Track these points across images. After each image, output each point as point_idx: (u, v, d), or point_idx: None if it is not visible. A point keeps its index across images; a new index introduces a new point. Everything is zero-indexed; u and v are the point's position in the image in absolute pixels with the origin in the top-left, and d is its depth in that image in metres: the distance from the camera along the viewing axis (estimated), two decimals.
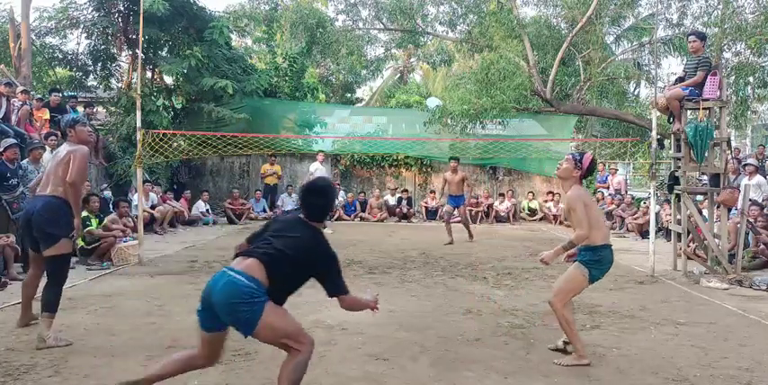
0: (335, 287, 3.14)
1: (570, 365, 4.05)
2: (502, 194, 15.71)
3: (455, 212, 11.21)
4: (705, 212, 8.25)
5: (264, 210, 15.02)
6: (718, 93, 7.45)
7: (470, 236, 11.05)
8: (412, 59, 27.62)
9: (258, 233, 3.29)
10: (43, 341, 4.28)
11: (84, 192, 5.37)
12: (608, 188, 14.96)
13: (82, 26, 14.04)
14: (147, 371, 3.27)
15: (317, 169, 12.37)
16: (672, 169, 8.33)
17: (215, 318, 2.94)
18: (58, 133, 10.33)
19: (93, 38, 14.12)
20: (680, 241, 8.02)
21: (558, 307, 4.14)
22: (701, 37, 7.66)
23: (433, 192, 15.70)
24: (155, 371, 3.15)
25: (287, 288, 3.12)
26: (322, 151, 13.44)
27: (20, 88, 10.07)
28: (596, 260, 4.15)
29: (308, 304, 5.74)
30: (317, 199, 3.22)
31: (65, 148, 4.76)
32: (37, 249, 4.60)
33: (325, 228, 3.51)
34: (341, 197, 15.34)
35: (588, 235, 4.07)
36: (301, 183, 16.31)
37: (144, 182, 9.43)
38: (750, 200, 8.15)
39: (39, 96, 11.59)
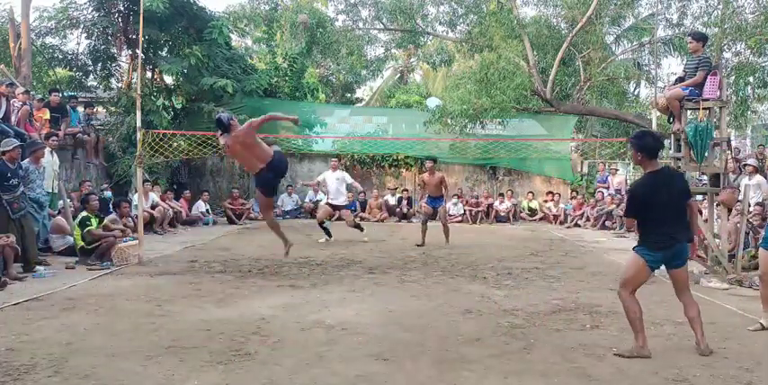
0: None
1: None
2: (502, 194, 15.71)
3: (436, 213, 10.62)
4: (705, 212, 8.25)
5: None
6: (718, 93, 7.44)
7: (447, 240, 10.40)
8: (412, 59, 27.58)
9: (642, 207, 4.37)
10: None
11: None
12: (608, 188, 14.96)
13: (82, 26, 14.03)
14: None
15: (327, 178, 11.01)
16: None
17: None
18: (59, 133, 10.37)
19: (93, 38, 14.11)
20: None
21: None
22: (697, 37, 7.64)
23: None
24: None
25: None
26: (336, 158, 11.64)
27: (21, 89, 10.06)
28: None
29: (309, 304, 5.75)
30: (655, 139, 4.40)
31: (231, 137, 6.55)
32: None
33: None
34: None
35: None
36: (302, 182, 16.31)
37: (144, 182, 9.43)
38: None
39: (40, 97, 11.59)
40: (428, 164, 10.53)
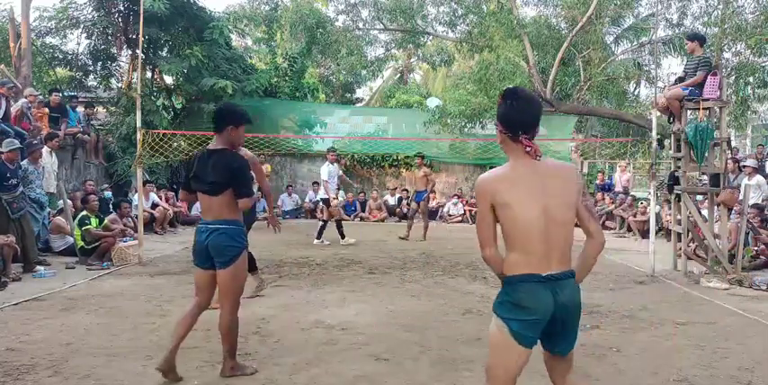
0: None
1: None
2: None
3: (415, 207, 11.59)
4: (705, 212, 8.25)
5: (264, 210, 14.99)
6: (719, 93, 7.44)
7: (423, 236, 11.09)
8: (412, 59, 27.60)
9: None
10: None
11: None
12: (611, 189, 14.96)
13: (82, 26, 14.05)
14: None
15: (327, 171, 10.65)
16: (672, 169, 8.32)
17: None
18: (61, 134, 10.36)
19: (93, 38, 14.13)
20: (680, 241, 8.02)
21: None
22: (692, 38, 7.66)
23: (433, 191, 15.70)
24: None
25: None
26: (333, 149, 11.36)
27: (36, 92, 10.04)
28: None
29: (309, 304, 5.75)
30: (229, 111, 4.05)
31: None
32: None
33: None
34: (340, 197, 15.32)
35: None
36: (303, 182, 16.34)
37: (144, 182, 9.42)
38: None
39: (42, 98, 11.59)
40: (417, 159, 11.77)
